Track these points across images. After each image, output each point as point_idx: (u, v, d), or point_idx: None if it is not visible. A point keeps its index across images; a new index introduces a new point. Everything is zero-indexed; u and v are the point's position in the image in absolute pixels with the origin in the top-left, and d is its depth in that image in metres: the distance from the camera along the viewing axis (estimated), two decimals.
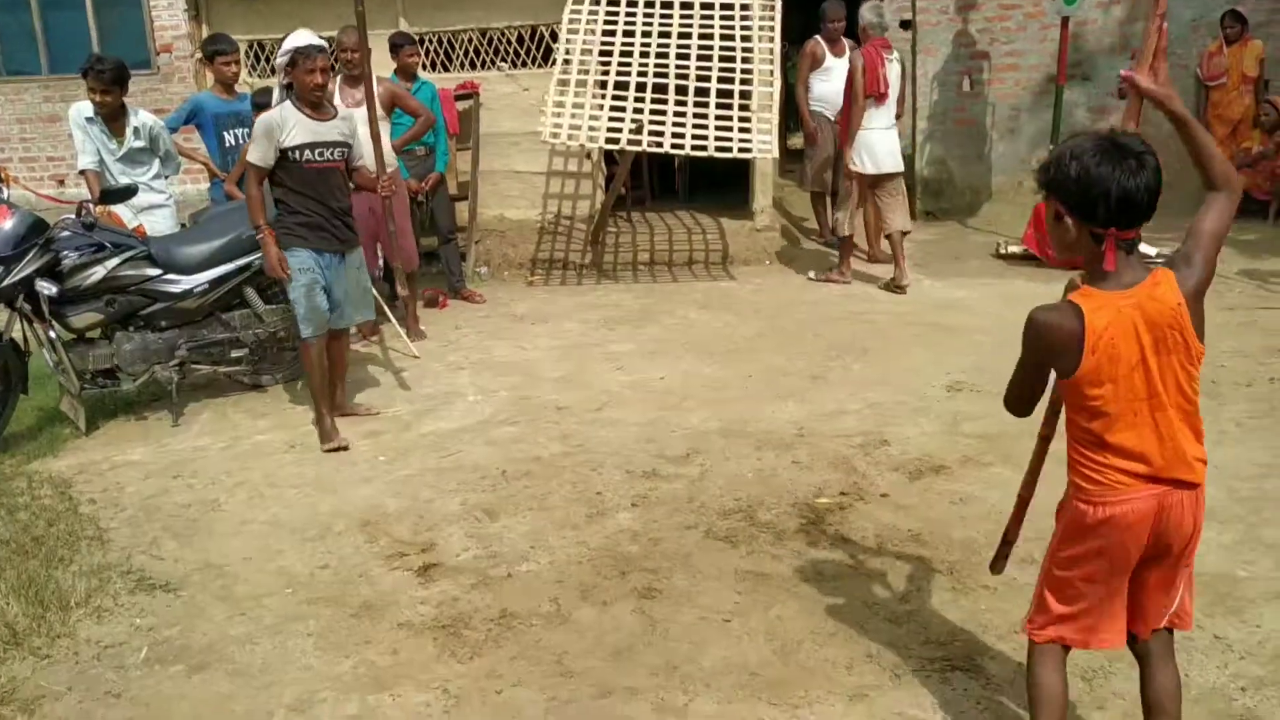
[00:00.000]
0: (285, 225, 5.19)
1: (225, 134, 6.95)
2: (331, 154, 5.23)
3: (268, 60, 10.24)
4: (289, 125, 5.09)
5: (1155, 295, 2.26)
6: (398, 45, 7.86)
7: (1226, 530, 3.83)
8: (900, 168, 8.00)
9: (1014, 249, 8.65)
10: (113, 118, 6.23)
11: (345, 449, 5.18)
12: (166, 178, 6.68)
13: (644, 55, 8.12)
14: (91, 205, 5.79)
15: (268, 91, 6.90)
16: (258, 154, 5.11)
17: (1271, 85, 9.72)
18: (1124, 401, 2.30)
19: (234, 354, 5.99)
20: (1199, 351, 2.30)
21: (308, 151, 5.13)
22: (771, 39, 8.13)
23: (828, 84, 8.71)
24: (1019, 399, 2.60)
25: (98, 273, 5.47)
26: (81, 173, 6.38)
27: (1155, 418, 2.32)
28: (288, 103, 5.19)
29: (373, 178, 5.86)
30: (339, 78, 6.86)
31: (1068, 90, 9.73)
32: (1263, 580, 3.48)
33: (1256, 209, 9.62)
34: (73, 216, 5.62)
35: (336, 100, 6.66)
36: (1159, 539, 2.38)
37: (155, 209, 6.50)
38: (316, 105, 5.18)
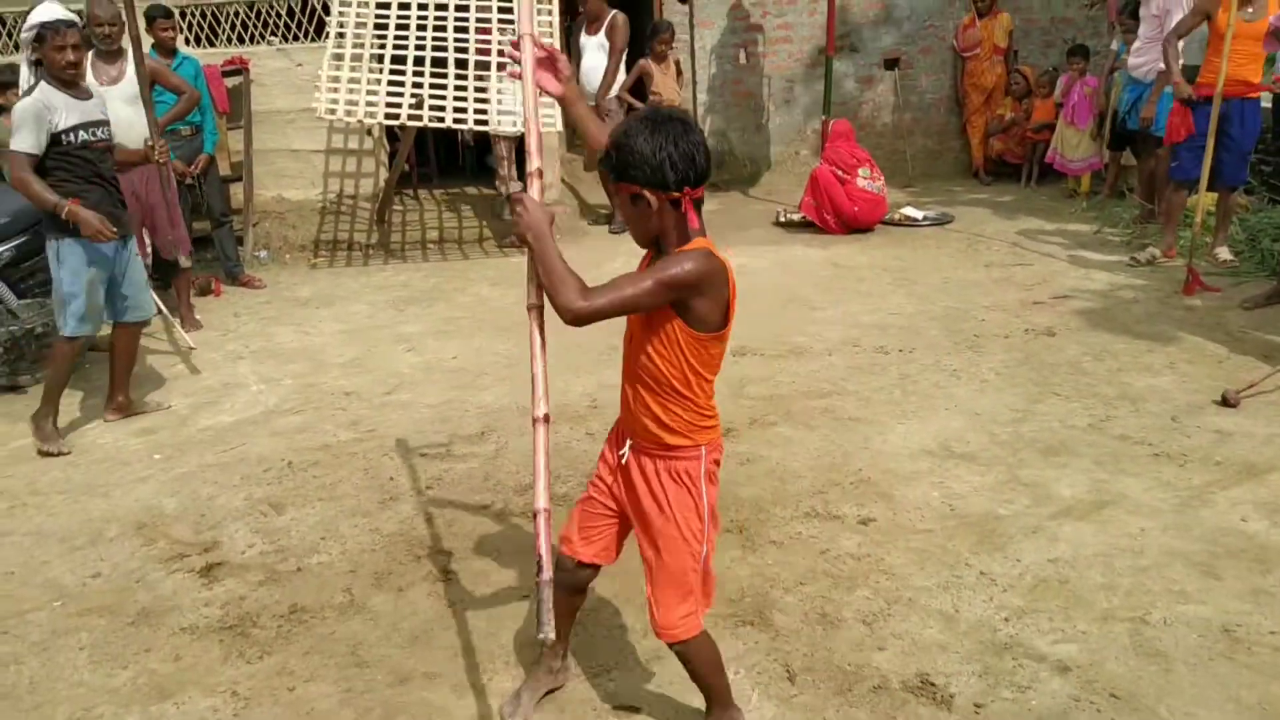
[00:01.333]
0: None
1: None
2: (103, 132, 4.90)
3: (9, 35, 9.46)
4: (57, 107, 4.71)
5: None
6: (151, 18, 7.41)
7: (989, 472, 4.11)
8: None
9: (793, 216, 8.96)
10: None
11: (67, 454, 4.87)
12: None
13: (421, 29, 7.94)
14: None
15: (10, 69, 6.38)
16: (29, 141, 4.64)
17: (1020, 56, 10.41)
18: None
19: None
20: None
21: (83, 132, 4.78)
22: (550, 13, 8.09)
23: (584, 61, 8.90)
24: (615, 304, 2.35)
25: None
26: None
27: None
28: (44, 84, 4.79)
29: (137, 150, 5.50)
30: (91, 54, 6.39)
31: (837, 61, 10.16)
32: (1021, 517, 3.75)
33: (1011, 173, 10.33)
34: None
35: (90, 79, 6.24)
36: None
37: None
38: (72, 83, 4.82)
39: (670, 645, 2.54)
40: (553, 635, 2.32)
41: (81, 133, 4.78)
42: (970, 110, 10.45)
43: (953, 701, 2.77)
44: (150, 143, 5.63)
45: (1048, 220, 8.61)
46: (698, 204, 2.34)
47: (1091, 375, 5.09)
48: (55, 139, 4.72)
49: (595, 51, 8.90)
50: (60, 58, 4.72)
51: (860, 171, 8.45)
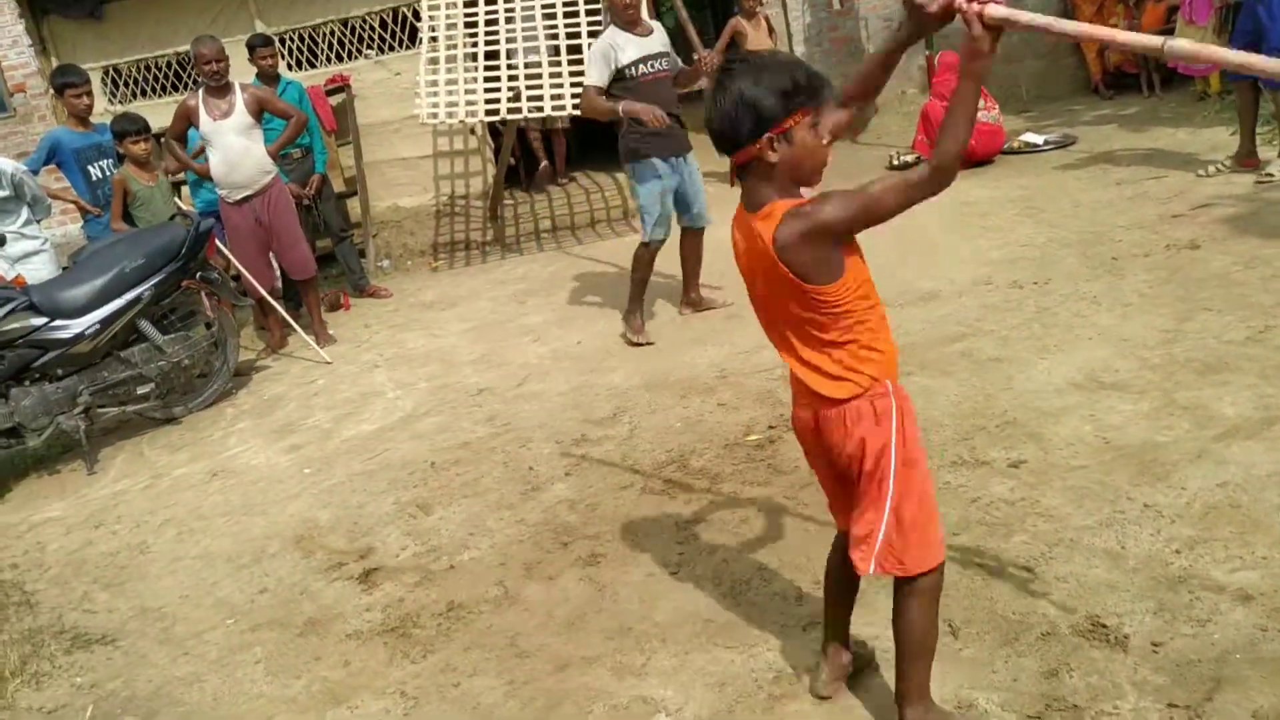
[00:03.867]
0: (636, 134, 5.54)
1: (89, 167, 6.69)
2: (661, 63, 5.66)
3: (125, 85, 9.88)
4: (620, 45, 5.55)
5: (756, 228, 2.23)
6: (252, 47, 7.64)
7: (1143, 399, 3.91)
8: None
9: (906, 158, 8.72)
10: None
11: (651, 344, 5.65)
12: (38, 222, 6.43)
13: (509, 21, 7.98)
14: None
15: (125, 117, 6.66)
16: (595, 75, 5.60)
17: None
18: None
19: (140, 390, 5.82)
20: (812, 291, 2.19)
21: (641, 65, 5.58)
22: None
23: None
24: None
25: None
26: None
27: (781, 340, 2.38)
28: (613, 27, 5.67)
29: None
30: (201, 90, 6.63)
31: None
32: (1183, 443, 3.55)
33: (1132, 83, 9.82)
34: None
35: (203, 115, 6.49)
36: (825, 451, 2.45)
37: (32, 256, 6.28)
38: (633, 22, 5.61)
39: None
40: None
41: (641, 66, 5.57)
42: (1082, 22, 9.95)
43: (1128, 642, 2.64)
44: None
45: (1178, 128, 8.16)
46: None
47: (1244, 285, 4.79)
48: (620, 73, 5.56)
49: None
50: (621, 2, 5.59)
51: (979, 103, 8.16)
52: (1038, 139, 8.50)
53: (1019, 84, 10.15)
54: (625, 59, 5.56)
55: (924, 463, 2.42)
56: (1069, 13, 10.12)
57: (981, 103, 8.41)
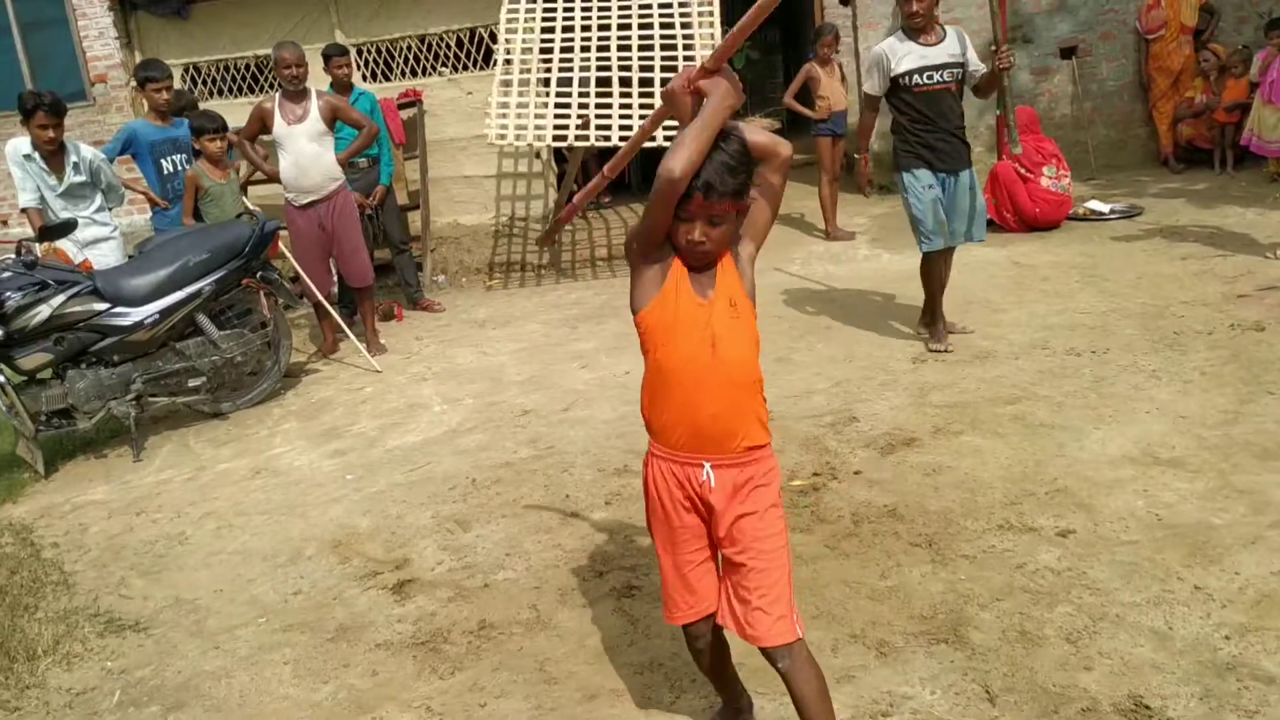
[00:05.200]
0: (908, 144, 5.58)
1: (162, 161, 6.82)
2: (943, 75, 5.50)
3: (204, 83, 10.08)
4: (898, 54, 5.47)
5: None
6: (328, 57, 7.77)
7: (1199, 478, 3.84)
8: None
9: None
10: (52, 153, 6.11)
11: (950, 351, 5.57)
12: (110, 210, 6.56)
13: (585, 49, 8.06)
14: (33, 243, 5.67)
15: (204, 114, 6.79)
16: (869, 83, 5.66)
17: (1210, 34, 9.79)
18: None
19: (191, 383, 5.89)
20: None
21: (916, 76, 5.47)
22: (711, 24, 8.08)
23: None
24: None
25: (43, 312, 5.36)
26: (23, 211, 6.25)
27: None
28: (898, 33, 5.58)
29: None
30: (278, 94, 6.76)
31: None
32: (1238, 527, 3.48)
33: (1203, 159, 9.70)
34: (13, 256, 5.50)
35: (277, 119, 6.60)
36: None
37: (101, 242, 6.38)
38: (921, 30, 5.48)
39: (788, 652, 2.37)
40: None
41: (916, 76, 5.47)
42: (1156, 95, 9.88)
43: None
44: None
45: (1247, 207, 8.04)
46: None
47: None
48: (895, 82, 5.51)
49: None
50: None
51: (1045, 170, 8.10)
52: (1104, 207, 8.42)
53: (1088, 151, 10.07)
54: (900, 68, 5.47)
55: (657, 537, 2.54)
56: (1144, 86, 10.07)
57: (1053, 169, 8.31)
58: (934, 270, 5.75)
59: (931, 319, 5.79)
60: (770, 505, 2.40)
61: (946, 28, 5.59)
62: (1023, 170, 8.11)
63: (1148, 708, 2.65)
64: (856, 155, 8.21)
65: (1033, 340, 5.58)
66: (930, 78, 5.49)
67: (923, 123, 5.55)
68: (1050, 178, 8.14)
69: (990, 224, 8.27)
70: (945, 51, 5.50)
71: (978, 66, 5.55)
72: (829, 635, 3.15)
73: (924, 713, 2.76)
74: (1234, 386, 4.63)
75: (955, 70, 5.50)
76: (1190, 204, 8.41)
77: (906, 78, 5.48)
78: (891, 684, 2.89)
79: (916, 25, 5.48)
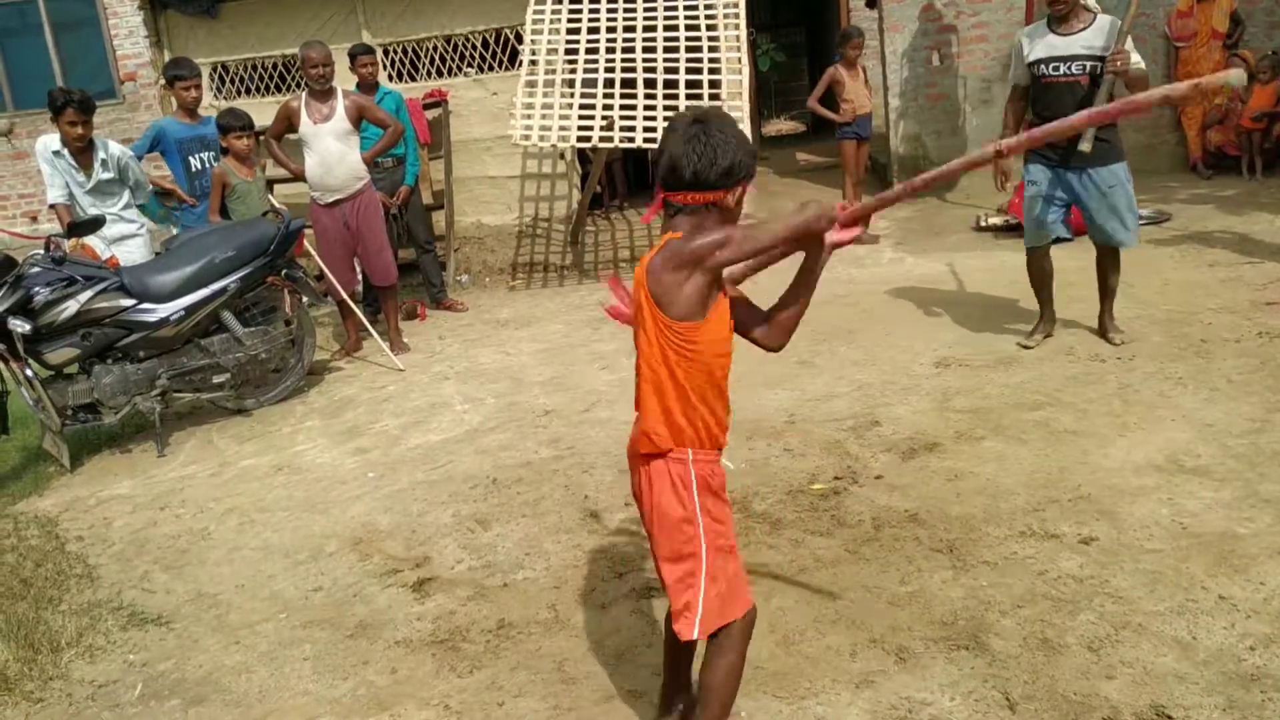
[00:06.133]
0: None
1: (190, 159, 6.88)
2: (1071, 68, 5.30)
3: (232, 82, 10.16)
4: (1034, 41, 5.38)
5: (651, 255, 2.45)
6: (354, 56, 7.81)
7: (1224, 487, 3.80)
8: None
9: (994, 220, 8.62)
10: (81, 150, 6.17)
11: (1031, 348, 5.53)
12: (138, 207, 6.62)
13: (610, 51, 8.06)
14: (61, 239, 5.73)
15: (231, 112, 6.84)
16: (1011, 72, 5.65)
17: (1241, 40, 9.70)
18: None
19: (216, 380, 5.93)
20: (662, 321, 2.41)
21: (1043, 66, 5.34)
22: (737, 26, 8.07)
23: None
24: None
25: (71, 307, 5.41)
26: (52, 207, 6.33)
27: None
28: (1043, 20, 5.44)
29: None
30: (305, 93, 6.80)
31: None
32: (1264, 536, 3.44)
33: (1232, 165, 9.61)
34: (41, 252, 5.56)
35: (304, 118, 6.65)
36: None
37: (128, 239, 6.45)
38: (1060, 18, 5.32)
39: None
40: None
41: (1043, 66, 5.32)
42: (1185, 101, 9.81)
43: None
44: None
45: (1276, 214, 7.95)
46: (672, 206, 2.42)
47: None
48: (1030, 69, 5.40)
49: None
50: None
51: None
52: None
53: None
54: (1031, 56, 5.37)
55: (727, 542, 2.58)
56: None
57: None
58: (1032, 267, 5.69)
59: (1040, 317, 5.72)
60: None
61: (1101, 17, 5.34)
62: None
63: (1170, 718, 2.63)
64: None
65: (1058, 346, 5.54)
66: (1056, 69, 5.30)
67: (1044, 117, 5.30)
68: None
69: (1013, 230, 8.22)
70: (1080, 43, 5.26)
71: (1133, 62, 5.19)
72: (848, 640, 3.14)
73: (943, 719, 2.74)
74: (1261, 395, 4.58)
75: (1087, 63, 5.24)
76: (1219, 210, 8.34)
77: (1035, 66, 5.36)
78: (911, 690, 2.88)
79: (1058, 13, 5.30)
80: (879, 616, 3.26)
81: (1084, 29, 5.28)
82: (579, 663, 3.21)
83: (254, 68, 10.04)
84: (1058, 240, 5.69)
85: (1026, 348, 5.56)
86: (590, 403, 5.62)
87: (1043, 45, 5.35)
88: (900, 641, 3.10)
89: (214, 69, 10.08)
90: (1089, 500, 3.83)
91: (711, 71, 7.90)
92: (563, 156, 9.71)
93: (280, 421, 5.98)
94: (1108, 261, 5.60)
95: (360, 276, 7.47)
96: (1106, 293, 5.63)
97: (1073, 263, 7.31)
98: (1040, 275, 5.70)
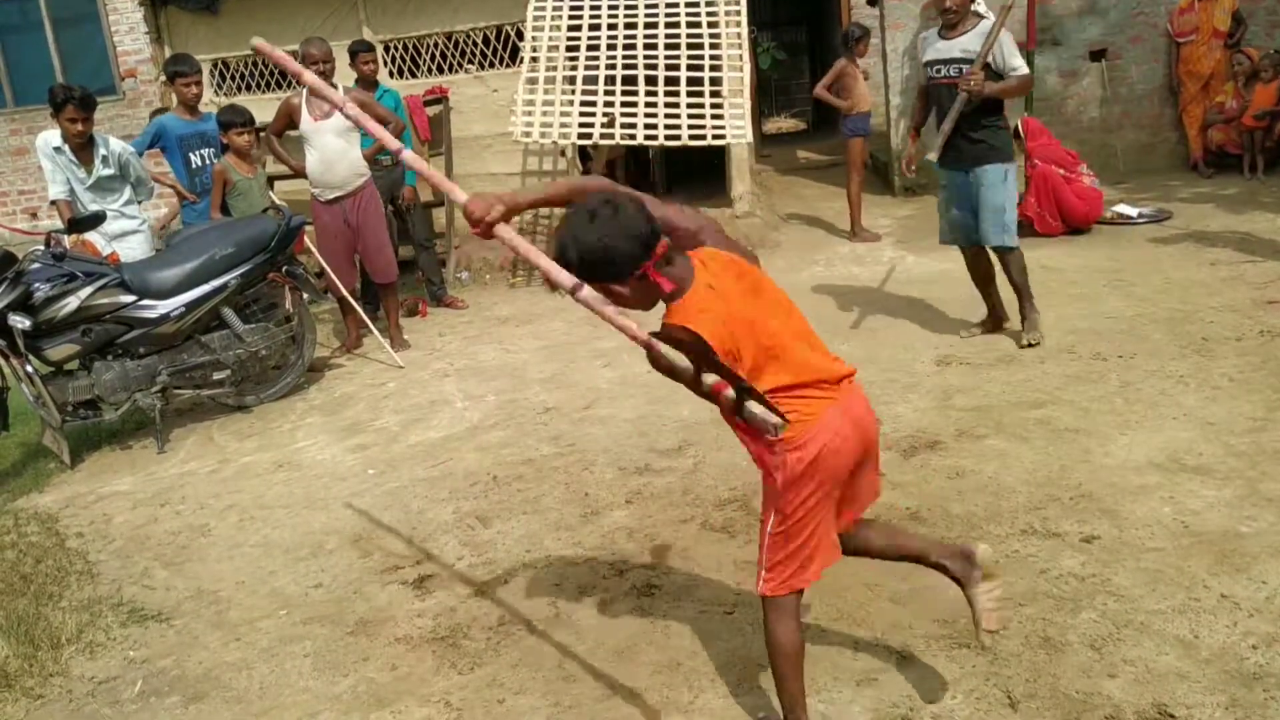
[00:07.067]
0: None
1: (190, 155, 6.86)
2: (949, 70, 5.51)
3: (232, 79, 10.14)
4: (927, 44, 5.67)
5: (717, 256, 2.54)
6: (354, 53, 7.80)
7: (1226, 486, 3.80)
8: None
9: None
10: (82, 146, 6.16)
11: (1037, 344, 5.51)
12: (139, 203, 6.61)
13: (611, 48, 8.06)
14: (62, 235, 5.72)
15: (232, 109, 6.82)
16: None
17: (1245, 39, 9.69)
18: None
19: (216, 376, 5.92)
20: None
21: (928, 69, 5.65)
22: (738, 23, 8.07)
23: None
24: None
25: (71, 303, 5.40)
26: (53, 203, 6.32)
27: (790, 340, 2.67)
28: (934, 30, 5.69)
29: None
30: (305, 90, 6.78)
31: (1038, 55, 9.69)
32: (1265, 535, 3.43)
33: (1233, 164, 9.61)
34: (42, 248, 5.55)
35: (304, 115, 6.63)
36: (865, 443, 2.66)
37: (128, 235, 6.43)
38: (947, 25, 5.54)
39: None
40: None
41: (929, 70, 5.63)
42: (1186, 99, 9.79)
43: None
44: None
45: (1277, 213, 7.95)
46: (667, 258, 2.41)
47: None
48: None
49: None
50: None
51: (1082, 168, 8.13)
52: (1132, 211, 8.35)
53: (1116, 155, 9.99)
54: (924, 58, 5.70)
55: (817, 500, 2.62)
56: (1174, 90, 9.98)
57: (1084, 168, 8.24)
58: (967, 265, 5.85)
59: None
60: None
61: (984, 22, 5.49)
62: (1063, 171, 8.08)
63: (1172, 716, 2.63)
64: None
65: (1059, 344, 5.54)
66: (939, 71, 5.56)
67: (939, 115, 5.61)
68: (1089, 175, 8.16)
69: (1023, 227, 8.20)
70: (959, 47, 5.47)
71: (1003, 67, 5.39)
72: (850, 638, 3.14)
73: (945, 717, 2.74)
74: (1263, 393, 4.58)
75: (962, 66, 5.43)
76: (1220, 209, 8.33)
77: (927, 68, 5.65)
78: (911, 687, 2.88)
79: (947, 20, 5.56)
80: (881, 614, 3.25)
81: (966, 33, 5.48)
82: (580, 660, 3.20)
83: (254, 64, 10.02)
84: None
85: (963, 337, 5.75)
86: (591, 400, 5.62)
87: (932, 49, 5.62)
88: (902, 639, 3.10)
89: (214, 65, 10.06)
90: (1090, 499, 3.82)
91: (712, 69, 7.90)
92: (563, 154, 9.69)
93: (280, 418, 5.98)
94: (1001, 260, 5.71)
95: (360, 273, 7.45)
96: (1015, 290, 5.68)
97: (1074, 260, 7.32)
98: (974, 273, 5.83)
